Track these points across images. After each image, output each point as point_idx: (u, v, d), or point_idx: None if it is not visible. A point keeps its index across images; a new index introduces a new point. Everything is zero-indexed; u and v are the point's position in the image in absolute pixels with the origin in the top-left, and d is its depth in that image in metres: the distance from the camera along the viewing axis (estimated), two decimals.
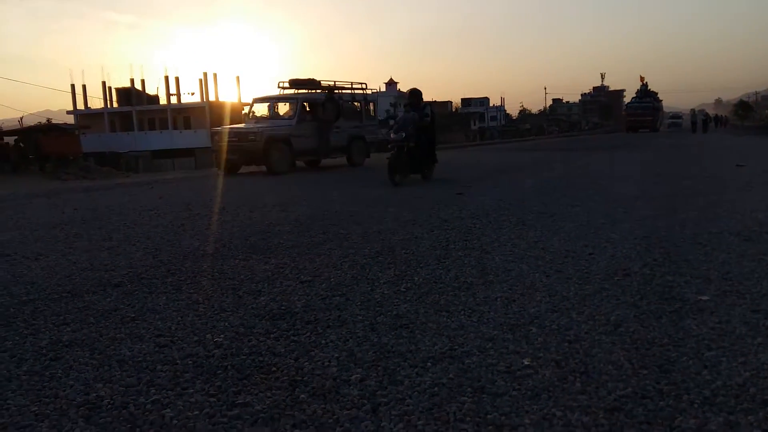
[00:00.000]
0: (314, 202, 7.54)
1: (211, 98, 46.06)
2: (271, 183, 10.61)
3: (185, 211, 6.90)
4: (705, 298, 3.02)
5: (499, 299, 3.08)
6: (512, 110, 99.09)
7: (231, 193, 9.11)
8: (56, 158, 27.90)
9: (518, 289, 3.25)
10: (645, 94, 50.53)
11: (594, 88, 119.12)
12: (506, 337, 2.55)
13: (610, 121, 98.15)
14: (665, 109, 76.28)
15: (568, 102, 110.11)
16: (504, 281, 3.43)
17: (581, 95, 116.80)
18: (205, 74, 46.02)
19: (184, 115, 46.23)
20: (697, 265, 3.69)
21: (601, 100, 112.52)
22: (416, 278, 3.54)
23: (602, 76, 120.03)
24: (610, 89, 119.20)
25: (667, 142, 25.20)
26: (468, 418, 1.86)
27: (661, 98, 51.02)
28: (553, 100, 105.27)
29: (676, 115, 63.84)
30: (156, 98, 47.71)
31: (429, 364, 2.29)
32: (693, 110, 52.85)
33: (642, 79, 52.56)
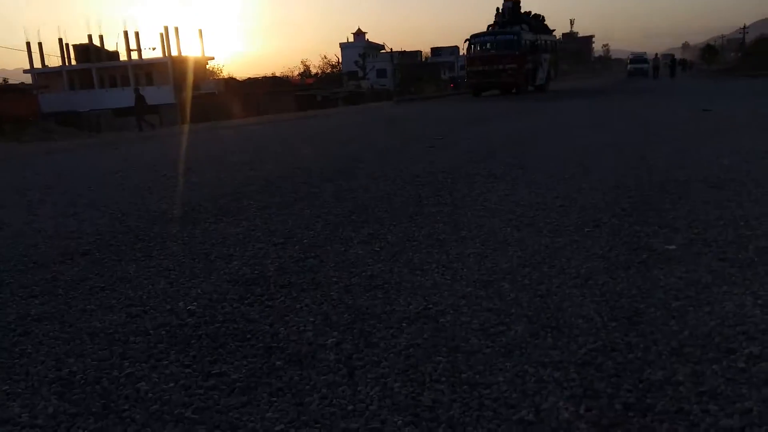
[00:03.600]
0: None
1: (174, 53, 44.68)
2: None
3: (152, 173, 6.75)
4: (672, 247, 3.09)
5: (471, 256, 3.10)
6: None
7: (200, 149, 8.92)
8: (14, 121, 26.96)
9: (490, 244, 3.28)
10: (511, 20, 25.02)
11: (563, 34, 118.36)
12: (479, 294, 2.58)
13: (580, 67, 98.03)
14: (628, 55, 62.99)
15: None
16: (476, 237, 3.45)
17: None
18: (166, 28, 44.53)
19: (146, 72, 44.90)
20: (665, 214, 3.76)
21: (571, 47, 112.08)
22: (390, 237, 3.54)
23: (571, 22, 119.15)
24: (579, 35, 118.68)
25: (632, 87, 25.47)
26: (443, 378, 1.89)
27: (555, 33, 29.37)
28: None
29: (639, 58, 53.03)
30: (116, 54, 46.14)
31: (404, 324, 2.31)
32: (656, 54, 50.34)
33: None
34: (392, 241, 3.46)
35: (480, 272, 2.84)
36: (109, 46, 46.34)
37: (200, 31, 48.07)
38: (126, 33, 44.90)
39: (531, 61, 24.13)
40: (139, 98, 23.10)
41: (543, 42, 26.11)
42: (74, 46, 45.84)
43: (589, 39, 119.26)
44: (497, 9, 26.22)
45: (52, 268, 3.29)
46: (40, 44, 45.37)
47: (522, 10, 26.85)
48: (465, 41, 24.32)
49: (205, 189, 5.58)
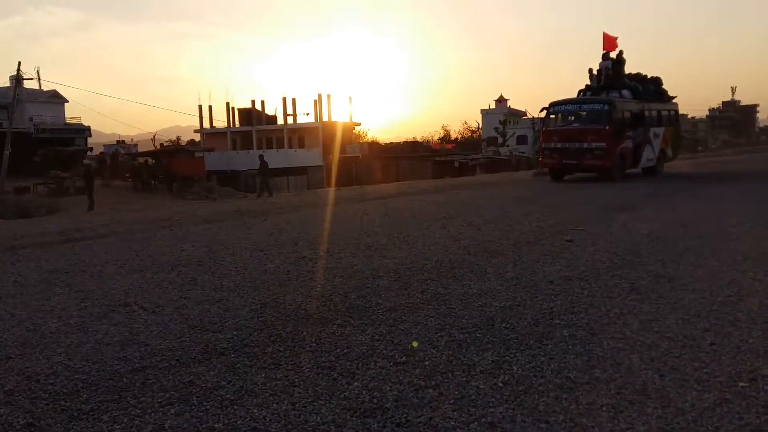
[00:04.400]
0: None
1: (325, 118, 47.81)
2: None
3: (293, 253, 7.11)
4: None
5: (604, 408, 2.87)
6: None
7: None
8: (182, 179, 30.06)
9: (627, 394, 3.01)
10: (608, 84, 19.44)
11: (723, 102, 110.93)
12: None
13: (741, 139, 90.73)
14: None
15: (693, 118, 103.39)
16: (611, 380, 3.19)
17: (709, 110, 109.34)
18: (320, 95, 47.97)
19: (299, 135, 48.33)
20: None
21: (732, 116, 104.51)
22: (515, 368, 3.39)
23: (732, 90, 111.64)
24: (741, 104, 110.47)
25: None
26: None
27: (672, 94, 21.25)
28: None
29: None
30: (274, 118, 50.29)
31: None
32: None
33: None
34: (517, 374, 3.31)
35: None
36: (270, 110, 50.71)
37: (350, 98, 51.23)
38: (284, 99, 48.94)
39: (631, 138, 18.19)
40: (263, 164, 23.66)
41: (655, 113, 19.99)
42: (239, 109, 50.69)
43: (752, 108, 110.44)
44: (590, 70, 20.11)
45: (191, 368, 3.52)
46: (210, 107, 50.69)
47: (635, 72, 20.46)
48: (542, 110, 18.94)
49: (338, 278, 5.76)
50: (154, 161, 35.01)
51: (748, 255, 6.35)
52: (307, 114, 48.85)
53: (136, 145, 56.97)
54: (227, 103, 50.50)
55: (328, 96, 48.42)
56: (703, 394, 2.99)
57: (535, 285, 5.27)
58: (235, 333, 4.16)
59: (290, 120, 49.03)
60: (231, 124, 50.42)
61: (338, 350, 3.76)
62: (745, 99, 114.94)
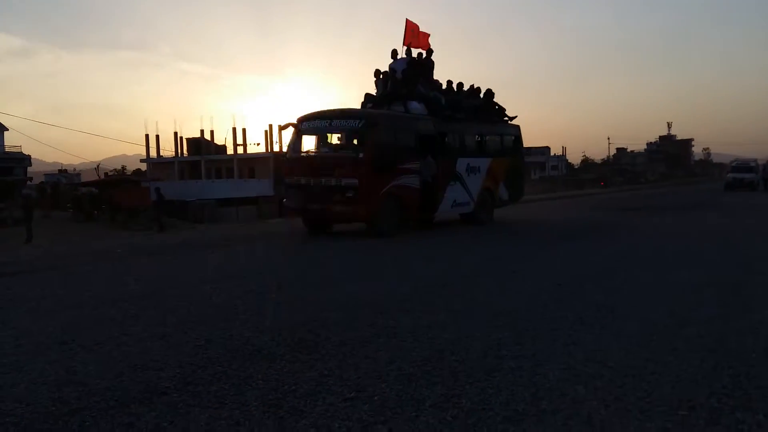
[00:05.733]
0: None
1: (277, 149, 47.57)
2: None
3: (240, 286, 6.97)
4: None
5: None
6: (574, 159, 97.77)
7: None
8: (127, 209, 29.25)
9: (573, 425, 3.05)
10: (391, 93, 13.54)
11: (660, 137, 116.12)
12: None
13: (679, 171, 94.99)
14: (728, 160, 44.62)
15: (633, 151, 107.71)
16: (558, 411, 3.23)
17: (647, 144, 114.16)
18: (271, 126, 47.71)
19: (249, 165, 47.84)
20: None
21: (668, 150, 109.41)
22: (464, 401, 3.39)
23: (669, 125, 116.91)
24: (677, 138, 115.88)
25: (742, 202, 23.93)
26: None
27: (510, 114, 15.66)
28: (617, 149, 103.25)
29: (744, 166, 38.48)
30: (224, 148, 49.68)
31: None
32: (765, 164, 39.55)
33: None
34: (466, 407, 3.30)
35: None
36: (219, 140, 50.12)
37: None
38: (234, 129, 48.51)
39: (414, 173, 12.40)
40: (160, 197, 23.07)
41: (475, 137, 14.67)
42: (187, 139, 49.92)
43: (688, 142, 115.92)
44: (376, 72, 14.01)
45: (131, 408, 3.37)
46: (157, 136, 49.71)
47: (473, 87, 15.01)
48: (285, 125, 13.01)
49: (287, 312, 5.68)
50: (97, 191, 34.00)
51: (683, 283, 6.59)
52: (258, 144, 48.55)
53: (78, 175, 55.31)
54: (175, 133, 49.71)
55: (279, 126, 48.33)
56: (645, 423, 3.06)
57: (480, 316, 5.32)
58: (178, 371, 4.02)
59: (241, 150, 48.59)
60: (179, 154, 49.56)
61: (286, 387, 3.68)
62: (680, 134, 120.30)
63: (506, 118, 15.79)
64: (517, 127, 16.18)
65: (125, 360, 4.27)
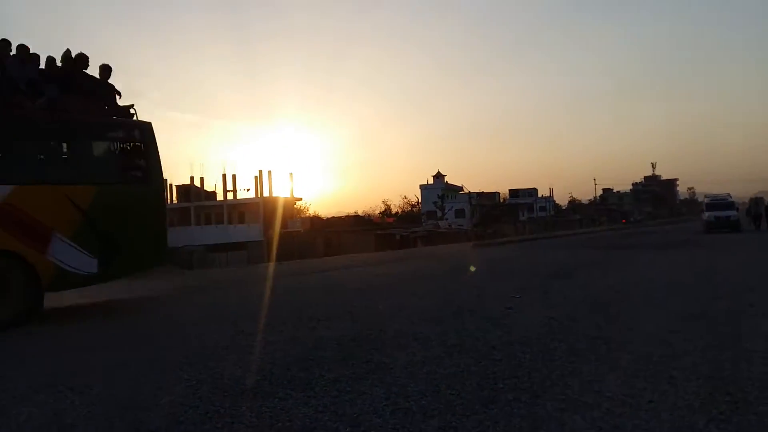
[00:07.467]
0: None
1: (266, 194, 47.74)
2: None
3: (232, 327, 6.89)
4: None
5: None
6: (562, 200, 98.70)
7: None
8: None
9: None
10: None
11: (645, 177, 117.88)
12: None
13: (664, 210, 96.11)
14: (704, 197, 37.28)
15: (619, 192, 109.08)
16: None
17: (632, 185, 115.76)
18: (261, 172, 47.99)
19: (239, 210, 47.90)
20: None
21: (654, 190, 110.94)
22: None
23: (653, 166, 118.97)
24: (662, 178, 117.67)
25: (734, 237, 24.12)
26: None
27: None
28: (604, 189, 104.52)
29: (722, 202, 32.08)
30: (213, 194, 49.82)
31: None
32: (753, 199, 34.90)
33: None
34: None
35: None
36: (210, 186, 50.32)
37: (291, 174, 51.52)
38: (224, 175, 48.78)
39: None
40: None
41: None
42: (177, 186, 50.07)
43: (673, 182, 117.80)
44: None
45: None
46: None
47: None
48: None
49: (280, 351, 5.60)
50: None
51: (677, 315, 6.59)
52: (248, 190, 48.79)
53: None
54: (165, 180, 49.94)
55: (269, 172, 48.66)
56: None
57: (477, 351, 5.28)
58: (169, 412, 3.94)
59: (231, 196, 48.73)
60: (169, 201, 49.60)
61: (279, 424, 3.61)
62: (665, 173, 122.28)
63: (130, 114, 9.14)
64: (145, 125, 9.19)
65: (115, 402, 4.19)
